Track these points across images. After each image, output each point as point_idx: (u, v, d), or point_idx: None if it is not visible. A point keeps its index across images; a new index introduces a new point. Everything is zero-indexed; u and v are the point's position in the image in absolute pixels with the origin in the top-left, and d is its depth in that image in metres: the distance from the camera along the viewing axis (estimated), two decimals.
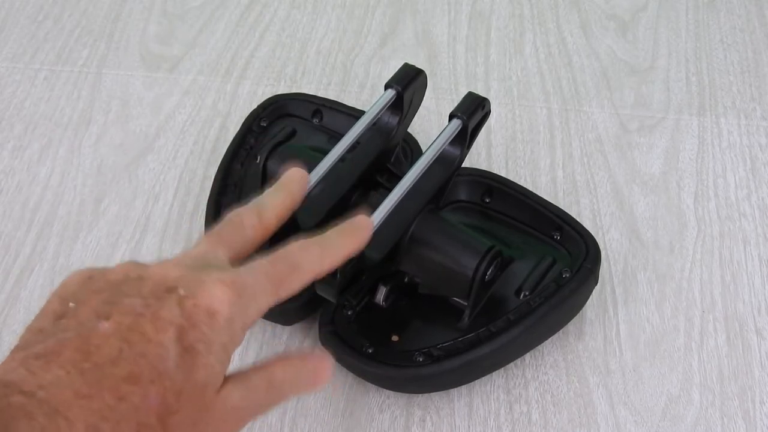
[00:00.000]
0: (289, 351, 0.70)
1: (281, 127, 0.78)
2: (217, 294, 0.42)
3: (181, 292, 0.42)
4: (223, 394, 0.42)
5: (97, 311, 0.41)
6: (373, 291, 0.68)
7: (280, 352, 0.70)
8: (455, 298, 0.68)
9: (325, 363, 0.48)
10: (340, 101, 0.83)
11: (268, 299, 0.45)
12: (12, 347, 0.41)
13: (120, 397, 0.38)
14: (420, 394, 0.67)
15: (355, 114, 0.78)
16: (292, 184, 0.54)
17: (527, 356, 0.69)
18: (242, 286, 0.43)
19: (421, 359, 0.64)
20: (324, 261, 0.49)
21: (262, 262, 0.46)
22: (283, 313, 0.69)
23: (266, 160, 0.72)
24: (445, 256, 0.65)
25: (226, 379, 0.43)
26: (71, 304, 0.42)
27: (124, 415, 0.38)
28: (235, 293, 0.42)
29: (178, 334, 0.40)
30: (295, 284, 0.47)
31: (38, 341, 0.40)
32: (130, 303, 0.41)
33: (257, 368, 0.46)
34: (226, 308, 0.42)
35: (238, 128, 0.80)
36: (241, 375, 0.44)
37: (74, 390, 0.37)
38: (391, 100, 0.67)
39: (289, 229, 0.62)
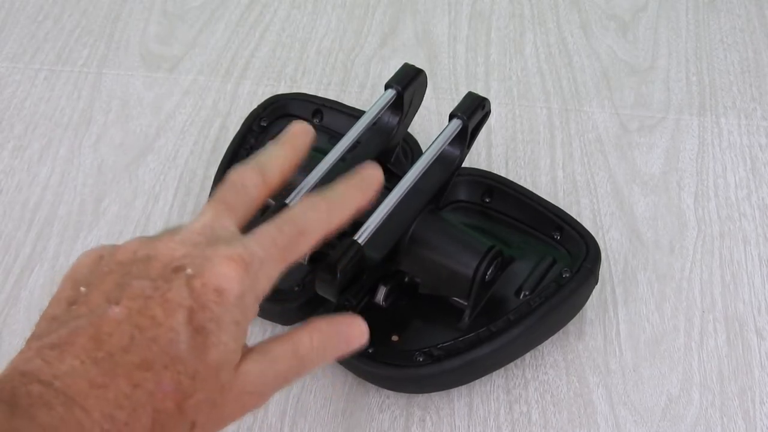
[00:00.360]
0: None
1: (281, 127, 0.78)
2: (224, 271, 0.41)
3: (189, 271, 0.41)
4: (242, 370, 0.42)
5: (108, 295, 0.41)
6: (373, 291, 0.68)
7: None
8: (455, 298, 0.68)
9: (357, 324, 0.47)
10: (340, 101, 0.83)
11: (278, 266, 0.44)
12: (27, 337, 0.41)
13: (134, 384, 0.38)
14: (420, 394, 0.67)
15: (355, 114, 0.78)
16: (295, 138, 0.52)
17: (527, 356, 0.69)
18: (250, 259, 0.42)
19: (421, 359, 0.64)
20: (332, 219, 0.48)
21: (269, 228, 0.45)
22: (283, 313, 0.69)
23: None
24: (445, 256, 0.65)
25: (247, 352, 0.43)
26: (82, 289, 0.42)
27: (139, 402, 0.38)
28: (243, 268, 0.42)
29: (188, 316, 0.40)
30: (303, 247, 0.46)
31: (52, 330, 0.40)
32: (139, 285, 0.40)
33: (280, 338, 0.45)
34: (235, 285, 0.41)
35: (238, 128, 0.80)
36: (262, 347, 0.44)
37: (89, 380, 0.37)
38: (391, 100, 0.67)
39: None
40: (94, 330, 0.39)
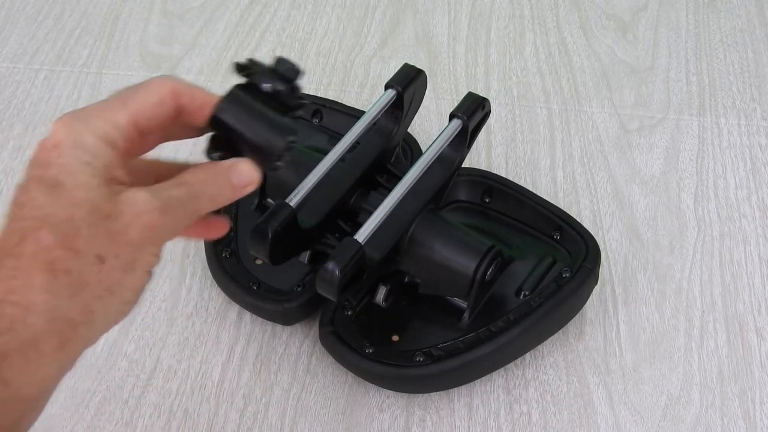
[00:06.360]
0: None
1: None
2: (54, 128, 0.46)
3: (35, 154, 0.47)
4: (125, 196, 0.46)
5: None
6: (373, 291, 0.67)
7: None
8: (455, 298, 0.68)
9: (240, 163, 0.50)
10: (340, 101, 0.83)
11: (118, 111, 0.47)
12: None
13: (17, 256, 0.44)
14: (420, 394, 0.67)
15: (355, 114, 0.78)
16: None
17: (527, 356, 0.69)
18: (80, 111, 0.47)
19: (421, 359, 0.64)
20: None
21: None
22: (283, 313, 0.69)
23: None
24: (445, 256, 0.65)
25: (129, 188, 0.47)
26: None
27: (29, 265, 0.44)
28: (70, 118, 0.46)
29: (37, 182, 0.46)
30: (140, 95, 0.48)
31: None
32: (14, 194, 0.47)
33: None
34: (64, 134, 0.46)
35: None
36: (151, 185, 0.48)
37: None
38: (391, 100, 0.67)
39: (293, 229, 0.62)
40: None
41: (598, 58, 0.93)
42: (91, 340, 0.47)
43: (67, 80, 0.91)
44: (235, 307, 0.72)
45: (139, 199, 0.46)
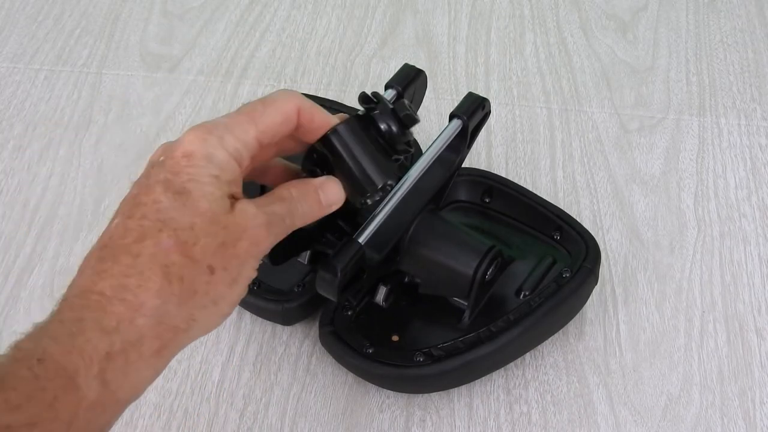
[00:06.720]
0: None
1: None
2: (187, 139, 0.48)
3: (162, 158, 0.48)
4: (239, 209, 0.47)
5: (122, 206, 0.48)
6: (373, 291, 0.68)
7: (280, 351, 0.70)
8: (455, 298, 0.68)
9: (329, 182, 0.52)
10: (340, 101, 0.83)
11: (247, 127, 0.49)
12: None
13: (135, 255, 0.45)
14: (420, 394, 0.67)
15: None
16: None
17: (527, 356, 0.69)
18: (212, 125, 0.49)
19: (421, 359, 0.64)
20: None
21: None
22: (283, 313, 0.69)
23: None
24: (446, 256, 0.65)
25: (239, 199, 0.48)
26: None
27: (144, 265, 0.45)
28: (204, 131, 0.48)
29: (165, 186, 0.47)
30: (270, 113, 0.50)
31: None
32: (133, 192, 0.48)
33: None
34: (198, 146, 0.47)
35: None
36: (251, 198, 0.50)
37: (95, 272, 0.45)
38: (391, 100, 0.67)
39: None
40: (103, 240, 0.47)
41: (598, 58, 0.93)
42: (183, 348, 0.47)
43: (67, 80, 0.91)
44: (235, 307, 0.72)
45: (249, 212, 0.48)
